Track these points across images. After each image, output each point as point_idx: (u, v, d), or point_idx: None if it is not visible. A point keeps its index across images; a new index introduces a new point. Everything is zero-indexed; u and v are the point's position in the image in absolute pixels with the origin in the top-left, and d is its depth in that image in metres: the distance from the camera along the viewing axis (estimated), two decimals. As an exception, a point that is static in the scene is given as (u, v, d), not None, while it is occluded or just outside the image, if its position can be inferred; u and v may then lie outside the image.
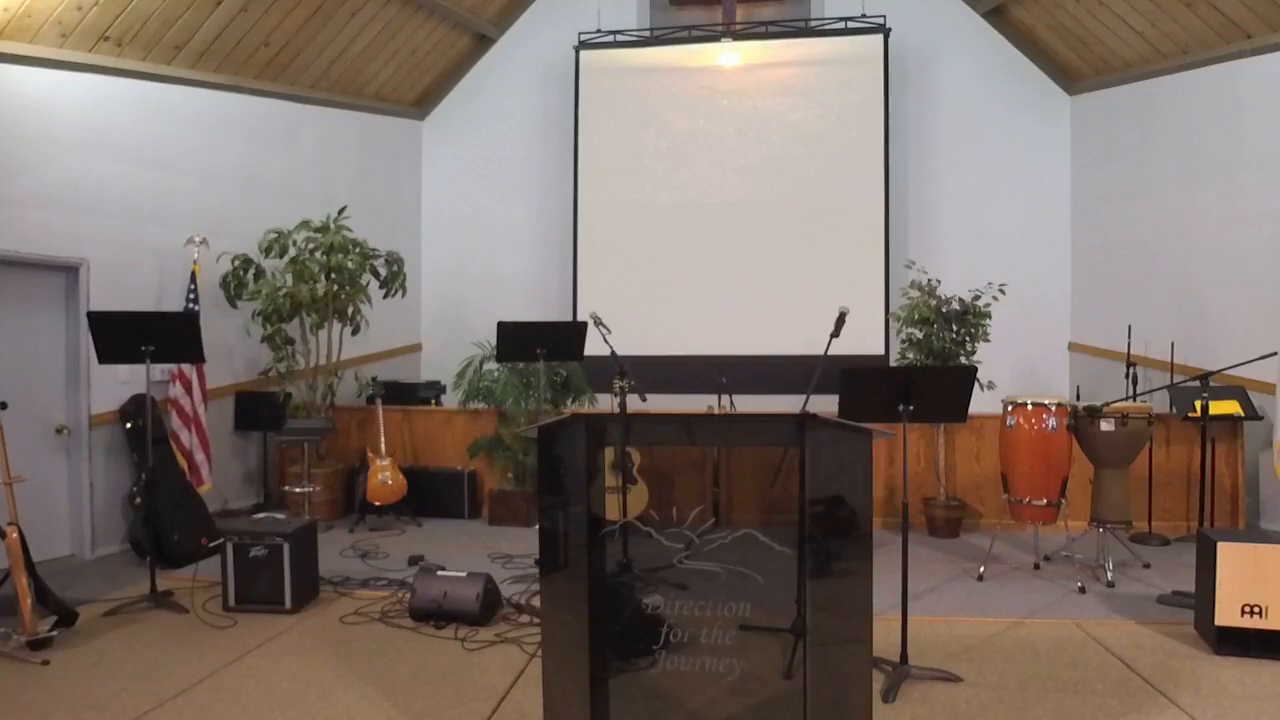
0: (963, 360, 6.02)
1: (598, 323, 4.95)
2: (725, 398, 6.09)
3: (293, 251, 6.41)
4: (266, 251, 6.34)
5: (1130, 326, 6.49)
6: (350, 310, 6.68)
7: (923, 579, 4.84)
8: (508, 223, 8.62)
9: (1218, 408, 5.55)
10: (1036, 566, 5.06)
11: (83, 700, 3.28)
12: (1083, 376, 7.38)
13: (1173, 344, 6.22)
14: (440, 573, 4.31)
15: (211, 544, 4.72)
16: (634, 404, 4.95)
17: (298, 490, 6.25)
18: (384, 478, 6.32)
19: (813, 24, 8.09)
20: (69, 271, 5.48)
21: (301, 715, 3.18)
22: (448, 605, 4.07)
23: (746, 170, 7.97)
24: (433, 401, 7.53)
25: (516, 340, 5.46)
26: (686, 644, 2.49)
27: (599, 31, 8.18)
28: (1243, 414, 5.65)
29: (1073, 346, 7.72)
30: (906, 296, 6.34)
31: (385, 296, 6.94)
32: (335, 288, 6.48)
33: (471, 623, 4.04)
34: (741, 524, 2.51)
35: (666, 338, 7.73)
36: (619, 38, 8.19)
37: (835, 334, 4.26)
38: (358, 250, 6.55)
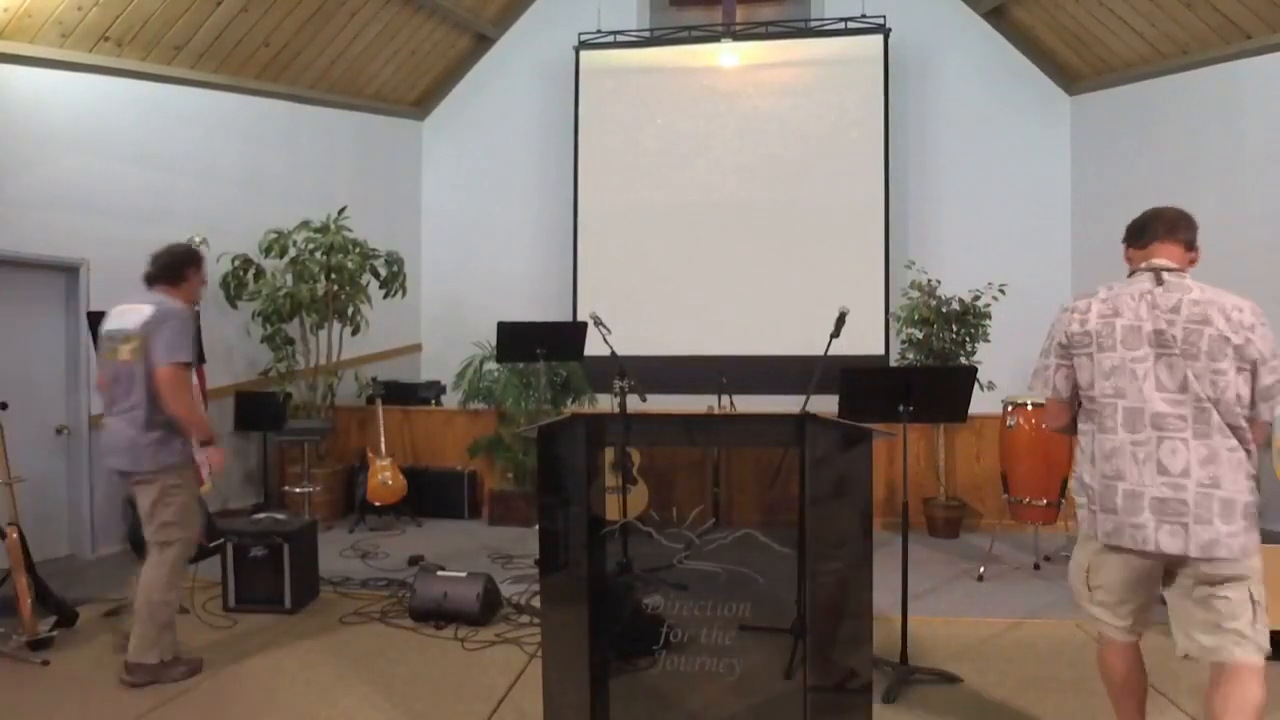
0: (963, 360, 6.02)
1: (598, 323, 4.94)
2: (725, 398, 6.08)
3: (293, 251, 6.41)
4: (266, 251, 6.34)
5: (1130, 327, 6.49)
6: (350, 310, 6.68)
7: (923, 579, 4.84)
8: (508, 223, 8.61)
9: (1218, 408, 5.54)
10: (1036, 566, 5.06)
11: (83, 700, 3.28)
12: (1083, 377, 7.39)
13: (1173, 344, 6.22)
14: (440, 573, 4.31)
15: (211, 544, 4.71)
16: (634, 404, 4.95)
17: (298, 490, 6.25)
18: (384, 478, 6.31)
19: (813, 24, 8.08)
20: (69, 271, 5.48)
21: (301, 715, 3.18)
22: (448, 605, 4.07)
23: (746, 170, 7.97)
24: (433, 401, 7.53)
25: (516, 340, 5.46)
26: (686, 644, 2.49)
27: (599, 32, 8.18)
28: (1243, 414, 5.65)
29: (1073, 347, 7.74)
30: (906, 296, 6.34)
31: (385, 296, 6.94)
32: (335, 288, 6.48)
33: (471, 623, 4.04)
34: (741, 524, 2.51)
35: (666, 338, 7.72)
36: (619, 38, 8.19)
37: (835, 334, 4.24)
38: (358, 250, 6.55)
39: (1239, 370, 2.25)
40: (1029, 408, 4.92)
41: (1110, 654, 2.50)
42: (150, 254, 3.56)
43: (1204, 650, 2.27)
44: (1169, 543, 2.22)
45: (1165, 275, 2.38)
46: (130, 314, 3.38)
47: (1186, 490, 2.21)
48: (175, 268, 3.51)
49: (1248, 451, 2.25)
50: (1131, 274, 2.50)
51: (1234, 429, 2.24)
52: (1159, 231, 2.48)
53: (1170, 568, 2.31)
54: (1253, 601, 2.22)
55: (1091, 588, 2.45)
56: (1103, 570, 2.41)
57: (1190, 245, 2.48)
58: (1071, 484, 2.70)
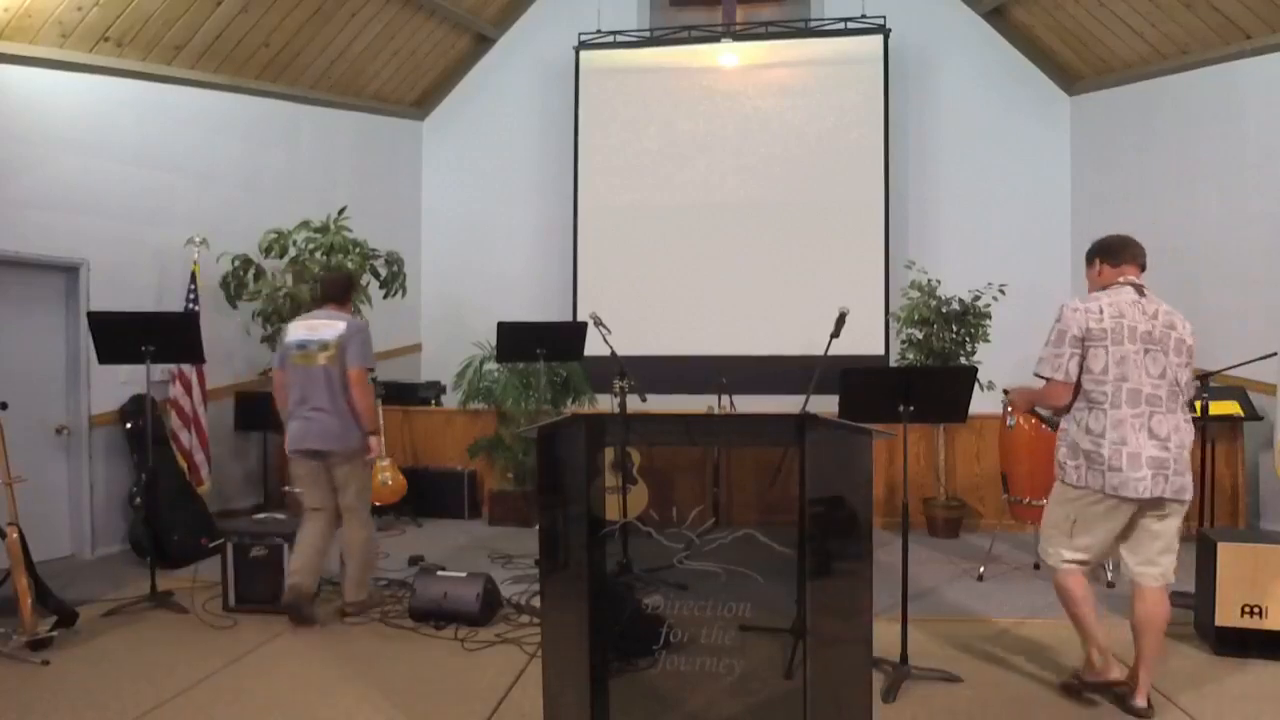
0: (963, 360, 6.02)
1: (598, 323, 4.94)
2: (725, 398, 6.08)
3: (293, 252, 6.40)
4: (266, 252, 6.33)
5: (1130, 327, 6.49)
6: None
7: (923, 579, 4.84)
8: (508, 223, 8.61)
9: (1218, 408, 5.53)
10: (1036, 566, 5.06)
11: (83, 700, 3.28)
12: (1083, 377, 7.38)
13: (1173, 344, 6.21)
14: (440, 573, 4.31)
15: (211, 544, 4.72)
16: (634, 404, 4.95)
17: (298, 490, 6.22)
18: (384, 478, 6.31)
19: (813, 24, 8.09)
20: (69, 271, 5.48)
21: (301, 715, 3.18)
22: (448, 605, 4.07)
23: (746, 170, 7.97)
24: (433, 401, 7.53)
25: (516, 340, 5.46)
26: (686, 644, 2.49)
27: (599, 32, 8.18)
28: (1243, 414, 5.65)
29: (1073, 347, 7.73)
30: (906, 296, 6.33)
31: (385, 297, 6.92)
32: (335, 288, 6.47)
33: (471, 623, 4.04)
34: (741, 524, 2.51)
35: (666, 338, 7.72)
36: (619, 38, 8.19)
37: (835, 334, 4.25)
38: (358, 250, 6.53)
39: (1185, 365, 3.11)
40: (1029, 408, 4.90)
41: (1073, 581, 3.19)
42: (319, 278, 4.66)
43: (1143, 575, 3.15)
44: (1156, 488, 3.01)
45: (1143, 290, 3.16)
46: (323, 328, 4.21)
47: (1169, 451, 3.03)
48: (345, 289, 4.45)
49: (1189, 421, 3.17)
50: (1107, 286, 3.21)
51: (1183, 406, 3.11)
52: (1129, 255, 3.24)
53: (1140, 510, 3.08)
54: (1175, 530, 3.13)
55: (1074, 535, 3.16)
56: (1092, 526, 3.12)
57: (1144, 268, 3.27)
58: (1062, 450, 3.20)
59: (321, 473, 4.25)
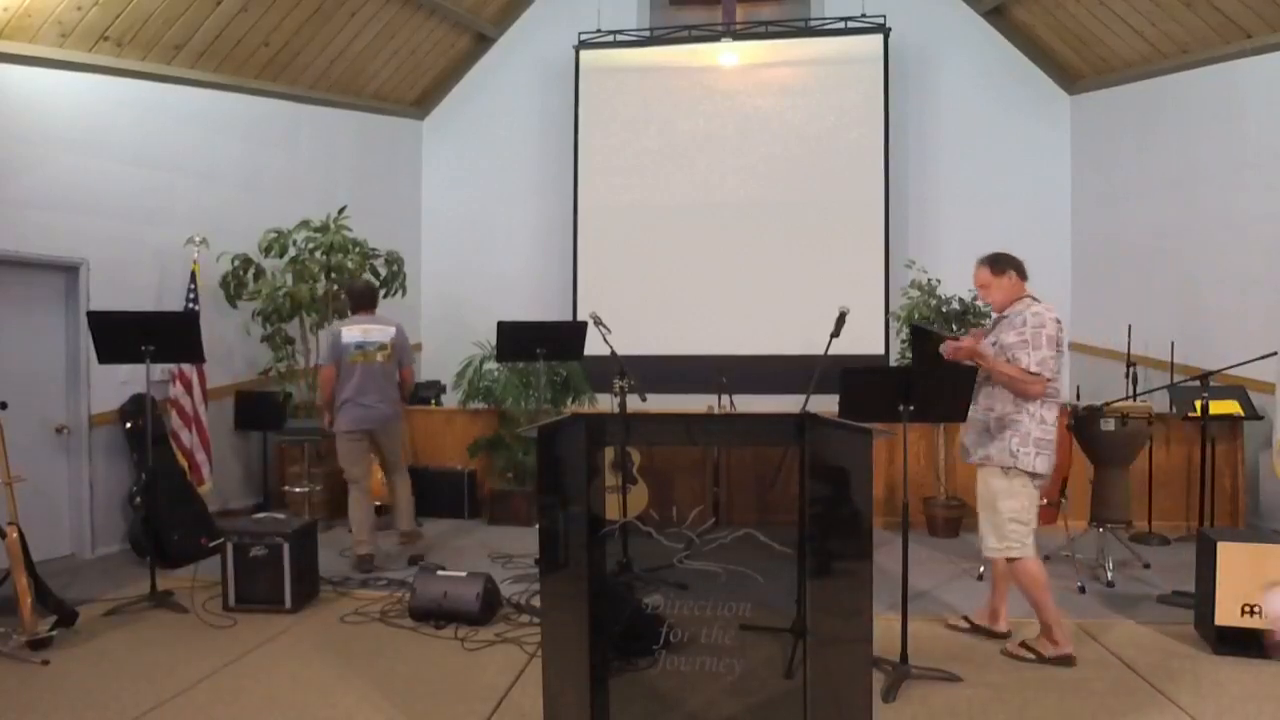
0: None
1: (598, 323, 4.94)
2: (725, 398, 6.09)
3: (293, 251, 6.40)
4: (266, 251, 6.33)
5: (1130, 326, 6.49)
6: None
7: (923, 579, 4.84)
8: (508, 223, 8.61)
9: (1218, 408, 5.54)
10: (1036, 566, 5.06)
11: (83, 700, 3.28)
12: (1083, 376, 7.37)
13: (1173, 344, 6.22)
14: (440, 573, 4.31)
15: (211, 544, 4.72)
16: (634, 404, 4.95)
17: (298, 490, 6.25)
18: (384, 477, 6.30)
19: (813, 24, 8.09)
20: (69, 271, 5.48)
21: (301, 715, 3.18)
22: (448, 605, 4.08)
23: (746, 170, 7.97)
24: (433, 401, 7.53)
25: (516, 340, 5.45)
26: (686, 644, 2.49)
27: (599, 31, 8.18)
28: (1243, 414, 5.65)
29: (1073, 346, 7.71)
30: (906, 296, 6.33)
31: (385, 296, 6.90)
32: (335, 287, 6.48)
33: (471, 623, 4.04)
34: (741, 524, 2.51)
35: (666, 338, 7.72)
36: (619, 38, 8.19)
37: (835, 334, 4.25)
38: (358, 250, 6.54)
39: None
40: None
41: (1035, 564, 3.59)
42: (348, 288, 5.52)
43: None
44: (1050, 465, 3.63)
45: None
46: (375, 332, 5.11)
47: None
48: (374, 297, 5.35)
49: None
50: (1018, 297, 3.70)
51: None
52: (1026, 272, 3.74)
53: None
54: None
55: (1030, 521, 3.59)
56: (1034, 507, 3.62)
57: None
58: (1014, 440, 3.57)
59: (367, 449, 5.19)
